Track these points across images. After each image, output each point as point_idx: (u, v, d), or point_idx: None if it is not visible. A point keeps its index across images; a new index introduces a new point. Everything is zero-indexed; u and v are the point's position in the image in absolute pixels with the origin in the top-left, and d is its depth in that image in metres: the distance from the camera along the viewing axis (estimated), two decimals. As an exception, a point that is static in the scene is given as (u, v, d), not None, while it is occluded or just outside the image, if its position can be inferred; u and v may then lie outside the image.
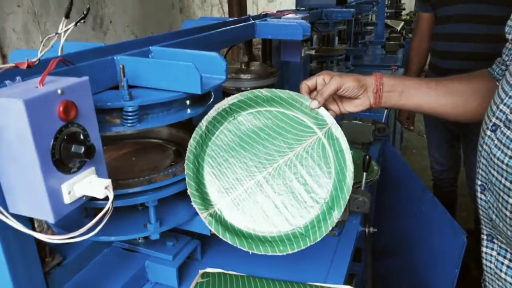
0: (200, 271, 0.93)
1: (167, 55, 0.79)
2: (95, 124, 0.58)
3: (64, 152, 0.53)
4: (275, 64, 1.59)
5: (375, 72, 0.93)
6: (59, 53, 0.73)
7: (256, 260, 1.00)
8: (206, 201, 0.82)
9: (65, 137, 0.53)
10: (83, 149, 0.53)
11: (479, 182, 0.77)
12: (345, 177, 0.84)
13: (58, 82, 0.54)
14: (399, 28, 4.54)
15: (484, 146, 0.73)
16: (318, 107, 0.86)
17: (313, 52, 1.52)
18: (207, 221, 0.81)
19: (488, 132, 0.72)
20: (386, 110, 1.70)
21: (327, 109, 0.89)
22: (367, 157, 1.12)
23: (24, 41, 1.61)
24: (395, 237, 1.50)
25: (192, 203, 0.80)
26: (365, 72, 3.04)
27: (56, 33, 0.71)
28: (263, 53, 1.63)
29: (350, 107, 0.95)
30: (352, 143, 1.56)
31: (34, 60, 0.61)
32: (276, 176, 0.85)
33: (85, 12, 0.73)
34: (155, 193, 0.75)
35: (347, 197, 0.83)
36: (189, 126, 0.98)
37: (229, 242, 0.81)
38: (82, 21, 0.73)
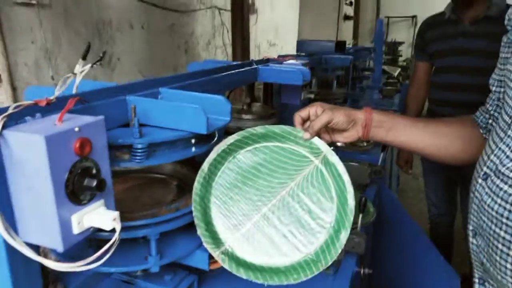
0: None
1: (175, 97, 0.84)
2: (107, 159, 0.62)
3: (77, 185, 0.56)
4: (276, 106, 1.65)
5: (365, 107, 0.99)
6: (74, 92, 0.78)
7: (251, 298, 1.01)
8: (216, 240, 0.85)
9: (79, 171, 0.57)
10: (95, 183, 0.57)
11: (471, 227, 0.80)
12: (346, 199, 0.87)
13: (75, 120, 0.58)
14: (396, 74, 4.68)
15: (476, 193, 0.78)
16: (310, 138, 0.91)
17: (312, 95, 1.59)
18: (220, 260, 0.83)
19: (480, 180, 0.76)
20: (382, 153, 1.75)
21: (319, 137, 0.93)
22: (363, 198, 1.15)
23: (34, 75, 1.68)
24: (389, 279, 1.50)
25: (204, 244, 0.82)
26: None
27: (73, 73, 0.77)
28: (264, 95, 1.70)
29: (339, 137, 0.99)
30: (348, 184, 1.60)
31: (52, 98, 0.66)
32: (281, 207, 0.89)
33: (101, 55, 0.79)
34: (157, 227, 0.78)
35: (351, 218, 0.86)
36: (192, 162, 1.02)
37: (244, 277, 0.83)
38: (98, 63, 0.79)
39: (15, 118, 0.57)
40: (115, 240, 0.58)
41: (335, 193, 0.89)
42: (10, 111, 0.58)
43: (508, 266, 0.70)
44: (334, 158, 0.91)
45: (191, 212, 0.82)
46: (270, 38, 3.96)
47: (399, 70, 5.01)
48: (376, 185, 1.68)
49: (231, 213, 0.88)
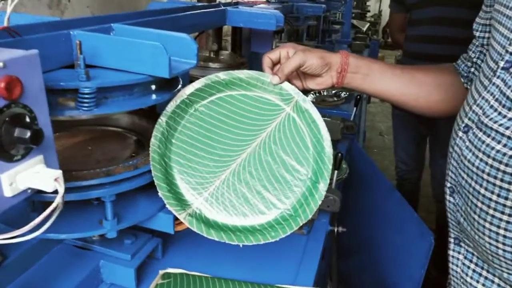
0: (161, 272, 0.86)
1: (131, 34, 0.71)
2: (44, 105, 0.50)
3: (5, 136, 0.44)
4: (245, 55, 1.53)
5: (342, 50, 0.89)
6: (5, 24, 0.63)
7: (221, 260, 0.94)
8: (181, 201, 0.76)
9: (7, 119, 0.45)
10: (29, 134, 0.45)
11: (448, 184, 0.75)
12: (323, 147, 0.80)
13: (0, 53, 0.46)
14: (365, 29, 4.61)
15: (455, 148, 0.71)
16: (280, 83, 0.82)
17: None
18: (187, 222, 0.75)
19: (460, 133, 0.69)
20: (355, 108, 1.68)
21: (290, 83, 0.84)
22: (339, 154, 1.09)
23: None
24: (360, 236, 1.49)
25: (167, 206, 0.74)
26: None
27: (3, 0, 0.62)
28: (233, 43, 1.57)
29: (312, 84, 0.91)
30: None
31: (-28, 28, 0.52)
32: (251, 162, 0.81)
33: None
34: (113, 187, 0.67)
35: (330, 167, 0.79)
36: (153, 114, 0.91)
37: (216, 239, 0.76)
38: (33, -12, 0.64)
39: None
40: (57, 205, 0.47)
41: (310, 142, 0.82)
42: None
43: (487, 225, 0.65)
44: (307, 104, 0.82)
45: (150, 171, 0.72)
46: (237, -14, 3.75)
47: (368, 25, 4.93)
48: (347, 141, 1.63)
49: (195, 171, 0.78)
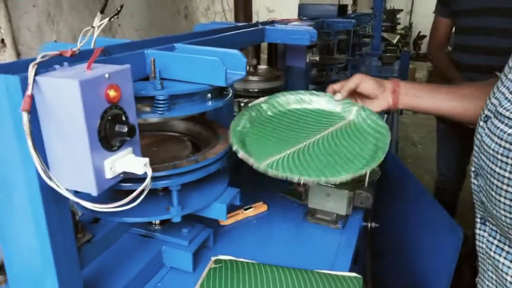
0: (213, 258, 0.99)
1: (191, 51, 0.85)
2: (133, 108, 0.64)
3: (109, 131, 0.58)
4: (281, 68, 1.65)
5: (391, 78, 1.06)
6: (92, 46, 0.79)
7: (265, 250, 1.05)
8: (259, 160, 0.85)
9: (110, 118, 0.59)
10: (126, 129, 0.58)
11: (473, 169, 0.86)
12: (385, 136, 0.98)
13: (103, 68, 0.60)
14: (395, 41, 4.66)
15: (477, 135, 0.82)
16: (342, 99, 1.03)
17: (317, 58, 1.59)
18: (268, 169, 0.82)
19: (481, 123, 0.80)
20: (385, 115, 1.77)
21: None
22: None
23: (37, 39, 1.66)
24: (392, 237, 1.56)
25: (250, 161, 0.82)
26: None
27: (92, 27, 0.77)
28: (269, 57, 1.70)
29: (371, 106, 1.07)
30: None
31: (75, 49, 0.67)
32: (320, 143, 0.96)
33: (118, 9, 0.79)
34: (179, 178, 0.80)
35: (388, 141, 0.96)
36: (202, 120, 1.04)
37: (303, 178, 0.82)
38: (116, 16, 0.79)
39: (44, 67, 0.58)
40: (147, 184, 0.60)
41: (372, 136, 0.99)
42: (38, 60, 0.59)
43: (502, 199, 0.76)
44: (367, 111, 1.02)
45: (209, 164, 0.85)
46: (269, 5, 3.90)
47: (398, 37, 4.99)
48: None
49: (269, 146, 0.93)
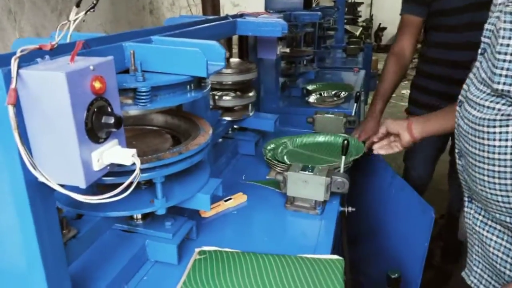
0: (197, 249, 0.99)
1: (168, 43, 0.85)
2: (117, 99, 0.63)
3: (95, 122, 0.58)
4: (252, 61, 1.67)
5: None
6: (68, 40, 0.77)
7: (248, 239, 1.07)
8: None
9: (96, 109, 0.58)
10: (113, 120, 0.58)
11: (456, 150, 0.92)
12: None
13: (87, 60, 0.59)
14: (358, 33, 4.77)
15: (456, 120, 0.89)
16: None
17: (287, 50, 1.62)
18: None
19: (457, 108, 0.86)
20: (355, 104, 1.82)
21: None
22: (345, 141, 1.22)
23: (-1, 38, 1.60)
24: (367, 221, 1.61)
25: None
26: (328, 72, 3.07)
27: (68, 21, 0.76)
28: (240, 50, 1.71)
29: (399, 145, 1.38)
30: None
31: (54, 43, 0.66)
32: None
33: (94, 2, 0.78)
34: (162, 170, 0.80)
35: None
36: (180, 113, 1.05)
37: None
38: (91, 10, 0.78)
39: (25, 60, 0.57)
40: (137, 174, 0.61)
41: None
42: (19, 53, 0.57)
43: (477, 175, 0.82)
44: None
45: (192, 156, 0.85)
46: (234, -1, 3.91)
47: (360, 29, 5.10)
48: (349, 135, 1.76)
49: None
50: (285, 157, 1.48)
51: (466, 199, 0.95)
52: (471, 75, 0.84)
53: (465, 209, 0.95)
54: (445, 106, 1.70)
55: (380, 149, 1.46)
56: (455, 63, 1.76)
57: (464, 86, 0.85)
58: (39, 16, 1.76)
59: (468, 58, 1.60)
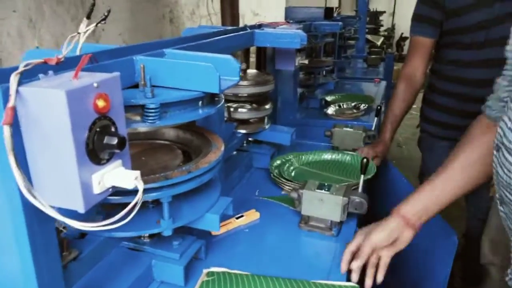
0: (205, 270, 0.95)
1: (181, 57, 0.82)
2: (123, 118, 0.60)
3: (97, 143, 0.55)
4: (270, 72, 1.63)
5: (392, 211, 1.02)
6: (78, 53, 0.75)
7: (259, 260, 1.02)
8: None
9: (98, 129, 0.55)
10: (116, 141, 0.55)
11: (497, 195, 0.82)
12: None
13: (91, 76, 0.56)
14: (379, 43, 4.70)
15: (493, 165, 0.79)
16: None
17: (306, 61, 1.57)
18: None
19: (494, 152, 0.77)
20: (376, 118, 1.76)
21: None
22: (365, 160, 1.17)
23: (18, 45, 1.60)
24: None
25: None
26: (348, 83, 2.99)
27: (78, 33, 0.73)
28: (258, 61, 1.68)
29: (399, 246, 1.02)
30: (344, 149, 1.62)
31: (60, 56, 0.63)
32: None
33: (106, 14, 0.76)
34: (170, 189, 0.77)
35: None
36: (193, 127, 1.01)
37: None
38: (103, 22, 0.75)
39: (28, 76, 0.54)
40: (139, 199, 0.57)
41: None
42: (21, 69, 0.55)
43: None
44: None
45: (201, 174, 0.81)
46: (254, 8, 3.89)
47: (382, 39, 5.02)
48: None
49: None
50: (292, 174, 1.43)
51: None
52: (505, 118, 0.73)
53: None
54: (456, 123, 1.59)
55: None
56: (467, 80, 1.69)
57: (499, 130, 0.75)
58: (59, 25, 1.76)
59: (481, 76, 1.63)
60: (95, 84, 0.54)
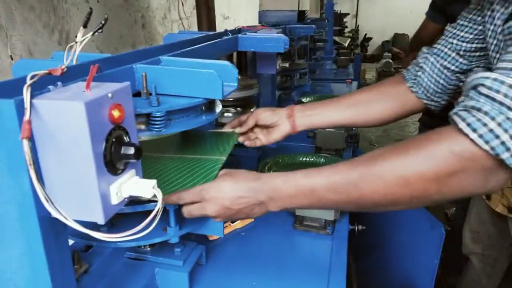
0: None
1: (177, 64, 0.82)
2: (135, 127, 0.60)
3: (114, 154, 0.54)
4: (251, 76, 1.64)
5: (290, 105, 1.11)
6: (74, 62, 0.73)
7: (258, 262, 1.03)
8: None
9: (114, 140, 0.54)
10: (133, 151, 0.55)
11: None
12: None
13: (103, 86, 0.55)
14: (346, 44, 4.80)
15: None
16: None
17: (287, 65, 1.59)
18: None
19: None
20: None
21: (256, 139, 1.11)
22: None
23: (-11, 55, 1.55)
24: (374, 235, 1.58)
25: None
26: (320, 84, 3.04)
27: (76, 42, 0.72)
28: (239, 65, 1.68)
29: (274, 135, 1.09)
30: (326, 150, 1.65)
31: (63, 67, 0.62)
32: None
33: (103, 22, 0.75)
34: (176, 197, 0.76)
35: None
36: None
37: None
38: (100, 31, 0.74)
39: (36, 88, 0.53)
40: (159, 208, 0.57)
41: None
42: (30, 81, 0.54)
43: None
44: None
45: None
46: (224, 11, 3.89)
47: (349, 40, 5.14)
48: (351, 149, 1.74)
49: None
50: None
51: None
52: None
53: None
54: None
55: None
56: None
57: None
58: (31, 33, 1.71)
59: None
60: (109, 95, 0.53)
